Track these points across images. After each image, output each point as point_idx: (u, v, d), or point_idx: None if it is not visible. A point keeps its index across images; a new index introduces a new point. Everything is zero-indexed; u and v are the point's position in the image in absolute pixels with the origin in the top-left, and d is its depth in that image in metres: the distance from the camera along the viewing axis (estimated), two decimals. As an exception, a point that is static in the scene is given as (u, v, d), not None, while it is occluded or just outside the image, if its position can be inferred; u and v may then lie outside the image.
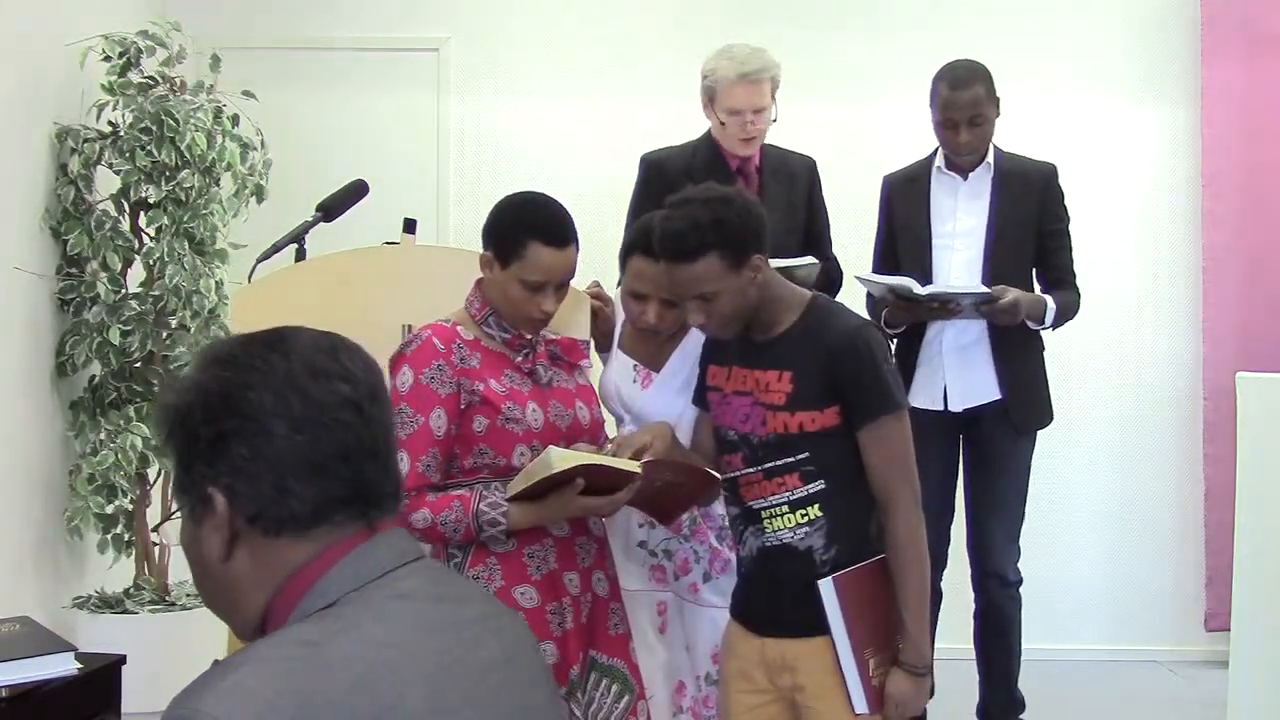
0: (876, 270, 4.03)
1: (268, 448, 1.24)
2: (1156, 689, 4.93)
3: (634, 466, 2.47)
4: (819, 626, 2.41)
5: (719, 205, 2.42)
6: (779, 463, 2.44)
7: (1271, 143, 5.28)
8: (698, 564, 2.92)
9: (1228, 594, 4.13)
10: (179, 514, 1.34)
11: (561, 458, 2.41)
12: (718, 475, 2.55)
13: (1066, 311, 3.97)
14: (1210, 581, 5.19)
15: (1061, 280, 3.99)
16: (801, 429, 2.42)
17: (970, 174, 3.98)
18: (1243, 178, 5.29)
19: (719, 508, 2.83)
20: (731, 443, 2.51)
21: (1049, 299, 3.92)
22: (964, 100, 3.86)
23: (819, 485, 2.43)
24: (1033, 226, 3.96)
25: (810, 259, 3.52)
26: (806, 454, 2.43)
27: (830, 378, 2.42)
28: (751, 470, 2.47)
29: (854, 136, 5.14)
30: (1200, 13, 5.31)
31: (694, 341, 2.86)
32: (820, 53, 5.31)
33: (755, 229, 2.43)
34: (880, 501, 2.45)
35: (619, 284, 2.98)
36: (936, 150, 4.02)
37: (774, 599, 2.49)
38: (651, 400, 2.95)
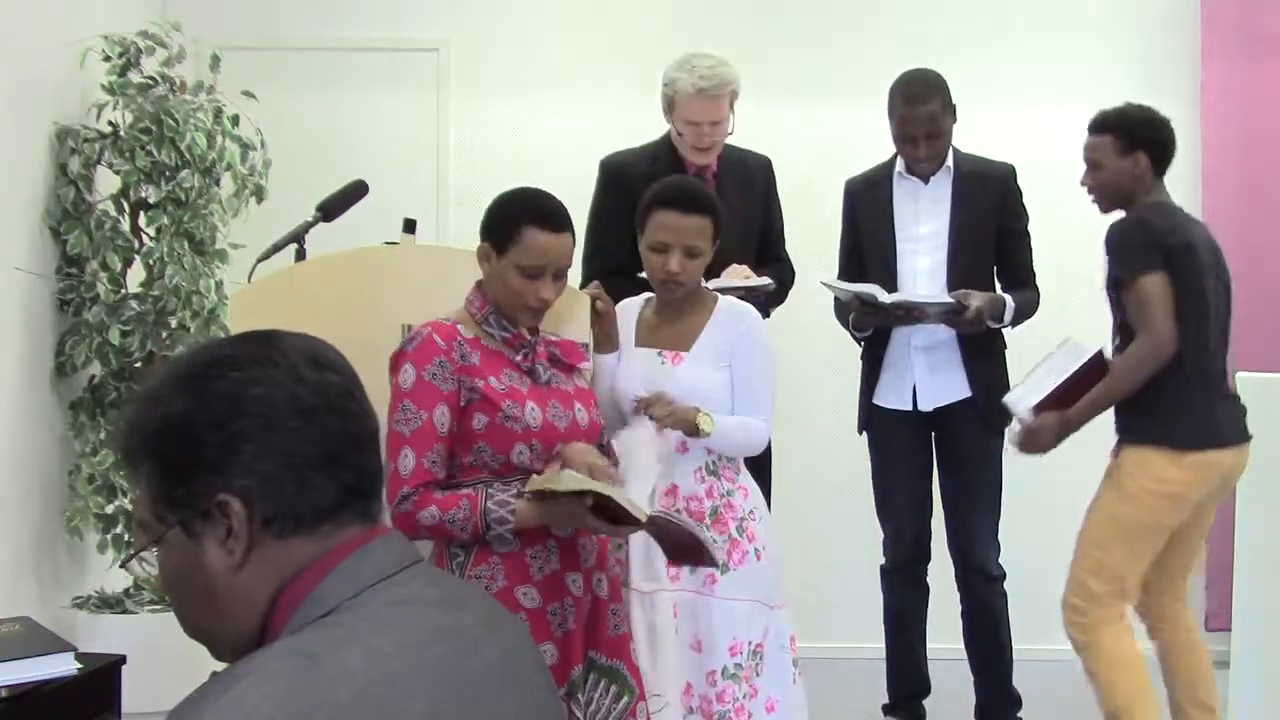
0: (842, 275, 4.06)
1: (283, 443, 1.22)
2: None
3: (640, 514, 2.52)
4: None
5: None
6: None
7: (1271, 143, 5.27)
8: (717, 553, 2.94)
9: (1228, 594, 4.13)
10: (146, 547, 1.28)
11: (573, 480, 2.44)
12: (714, 558, 2.73)
13: (1026, 310, 4.04)
14: (1210, 581, 5.18)
15: (1021, 280, 4.05)
16: None
17: (931, 178, 4.01)
18: (1243, 178, 5.28)
19: (739, 500, 3.01)
20: None
21: (1008, 298, 3.98)
22: (920, 116, 3.90)
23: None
24: (993, 228, 4.01)
25: (766, 280, 3.59)
26: None
27: None
28: None
29: (851, 138, 5.14)
30: (1200, 13, 5.30)
31: (723, 319, 3.04)
32: (819, 53, 5.32)
33: None
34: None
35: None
36: (896, 154, 4.04)
37: None
38: (688, 373, 3.01)
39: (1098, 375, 3.53)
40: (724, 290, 3.55)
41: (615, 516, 2.52)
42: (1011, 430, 3.69)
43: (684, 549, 2.71)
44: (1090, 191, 3.71)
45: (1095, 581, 3.57)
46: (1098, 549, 3.57)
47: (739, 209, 3.82)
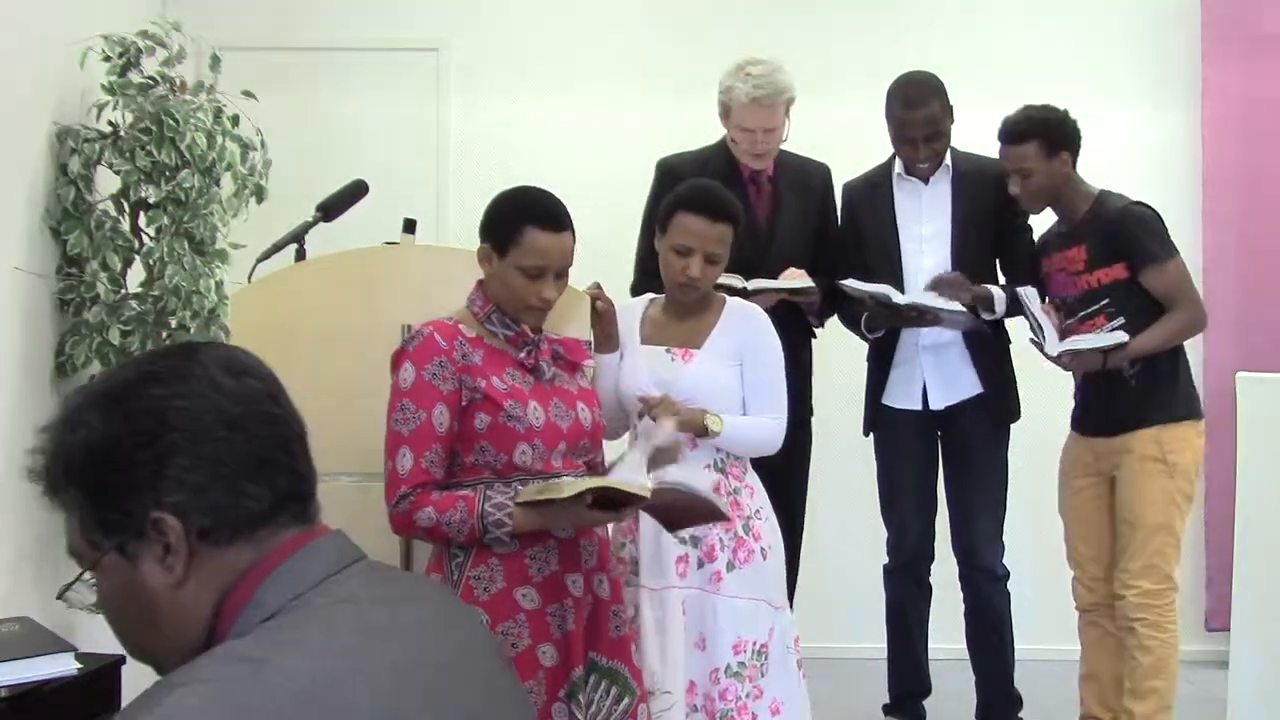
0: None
1: (212, 453, 1.21)
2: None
3: (643, 490, 2.51)
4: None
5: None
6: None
7: (1271, 143, 5.27)
8: (723, 551, 2.96)
9: (1228, 594, 4.13)
10: (88, 574, 1.26)
11: (571, 485, 2.45)
12: (722, 510, 2.69)
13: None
14: (1210, 581, 5.19)
15: (1021, 274, 4.03)
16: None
17: (930, 179, 4.02)
18: (1243, 178, 5.29)
19: (745, 498, 3.01)
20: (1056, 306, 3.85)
21: (995, 290, 3.97)
22: (919, 119, 3.92)
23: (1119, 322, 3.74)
24: (994, 225, 4.01)
25: (810, 282, 3.59)
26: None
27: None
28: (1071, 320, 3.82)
29: (849, 137, 5.13)
30: (1200, 13, 5.31)
31: (733, 319, 3.05)
32: (818, 52, 5.31)
33: None
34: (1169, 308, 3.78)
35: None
36: (894, 155, 4.05)
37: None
38: (698, 370, 3.01)
39: None
40: (767, 290, 3.57)
41: (617, 502, 2.51)
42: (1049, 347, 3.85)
43: (686, 515, 2.69)
44: (1021, 197, 3.90)
45: (1167, 563, 3.83)
46: (1166, 532, 3.81)
47: (795, 209, 3.85)
